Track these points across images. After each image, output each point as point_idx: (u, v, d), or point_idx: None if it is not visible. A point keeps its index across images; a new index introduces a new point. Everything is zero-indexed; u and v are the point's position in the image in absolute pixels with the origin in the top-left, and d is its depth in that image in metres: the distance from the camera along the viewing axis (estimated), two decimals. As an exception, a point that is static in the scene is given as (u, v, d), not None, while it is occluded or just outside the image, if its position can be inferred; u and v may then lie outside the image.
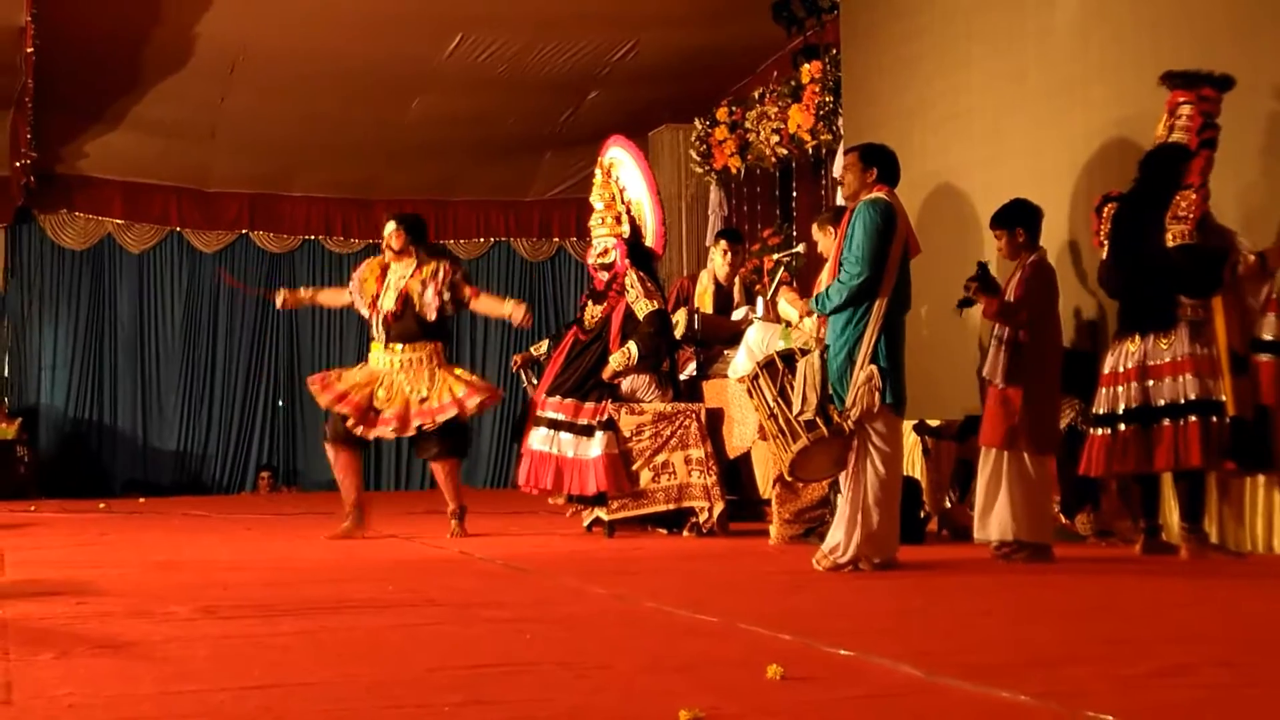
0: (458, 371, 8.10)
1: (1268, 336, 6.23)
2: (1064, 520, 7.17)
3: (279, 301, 8.63)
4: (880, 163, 6.12)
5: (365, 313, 8.16)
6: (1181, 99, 6.42)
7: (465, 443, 8.34)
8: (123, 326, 14.64)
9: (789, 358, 6.22)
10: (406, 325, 7.93)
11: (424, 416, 7.78)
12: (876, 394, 5.81)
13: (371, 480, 15.22)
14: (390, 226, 8.12)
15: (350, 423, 7.78)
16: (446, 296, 7.94)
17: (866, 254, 5.86)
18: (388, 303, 7.98)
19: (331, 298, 9.12)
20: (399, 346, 7.94)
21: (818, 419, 5.93)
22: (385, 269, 8.12)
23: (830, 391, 5.93)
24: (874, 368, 5.83)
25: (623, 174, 8.67)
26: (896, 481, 6.00)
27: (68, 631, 4.19)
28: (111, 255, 14.62)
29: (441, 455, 7.99)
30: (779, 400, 6.12)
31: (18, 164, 12.56)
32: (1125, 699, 2.98)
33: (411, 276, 7.97)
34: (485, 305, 8.30)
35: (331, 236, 15.32)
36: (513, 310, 8.11)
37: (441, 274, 7.96)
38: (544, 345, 9.01)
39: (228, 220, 14.92)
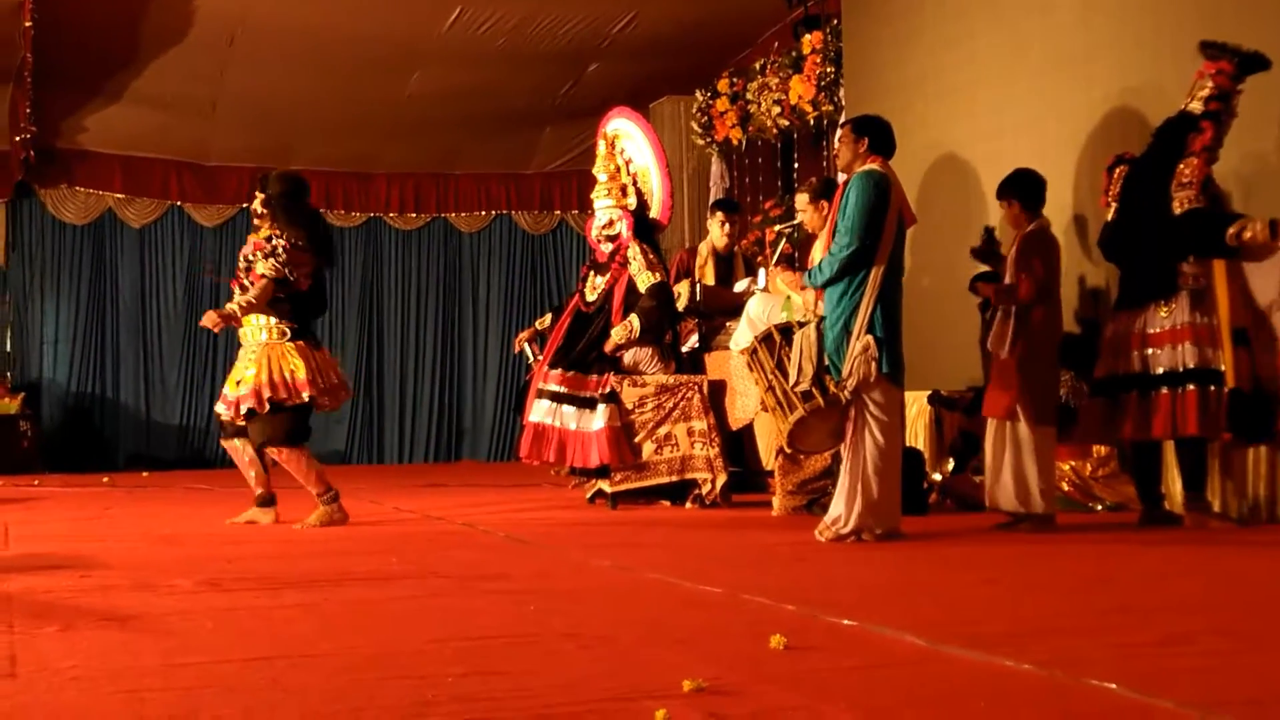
0: (293, 362, 7.02)
1: None
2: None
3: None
4: (872, 133, 6.10)
5: None
6: (1209, 70, 6.40)
7: (271, 428, 7.02)
8: (124, 301, 14.64)
9: (786, 330, 6.22)
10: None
11: (230, 405, 7.09)
12: (873, 364, 5.80)
13: (374, 453, 15.26)
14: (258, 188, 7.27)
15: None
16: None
17: (857, 225, 5.85)
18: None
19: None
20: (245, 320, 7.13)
21: (814, 390, 5.93)
22: None
23: (827, 363, 5.94)
24: (870, 338, 5.83)
25: (628, 145, 8.65)
26: (896, 451, 6.00)
27: (72, 605, 4.20)
28: (112, 230, 14.59)
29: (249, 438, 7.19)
30: (776, 373, 6.13)
31: (17, 139, 12.54)
32: (1128, 667, 2.98)
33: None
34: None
35: (332, 210, 15.27)
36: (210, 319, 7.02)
37: (260, 241, 7.10)
38: (547, 319, 8.99)
39: (229, 194, 14.88)
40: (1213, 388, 6.19)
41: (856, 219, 5.87)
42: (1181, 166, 6.28)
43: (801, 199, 7.67)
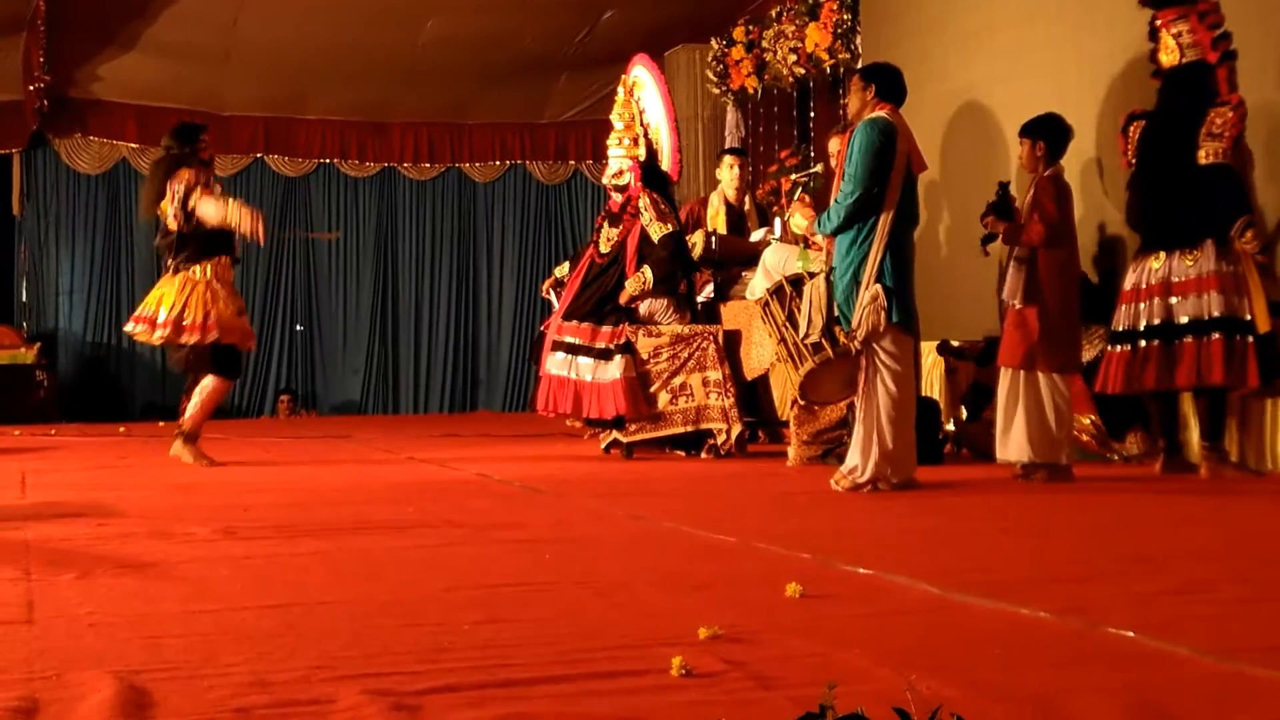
0: None
1: None
2: (1114, 442, 7.19)
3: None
4: (879, 79, 6.06)
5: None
6: (1173, 17, 6.34)
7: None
8: (139, 251, 14.61)
9: (797, 282, 6.20)
10: None
11: None
12: (882, 313, 5.77)
13: (389, 403, 15.28)
14: None
15: None
16: None
17: (860, 172, 5.83)
18: None
19: None
20: None
21: (824, 341, 5.91)
22: None
23: (837, 313, 5.91)
24: (879, 287, 5.79)
25: (644, 95, 8.62)
26: (909, 400, 5.98)
27: (89, 552, 4.22)
28: (127, 179, 14.53)
29: None
30: (787, 324, 6.11)
31: (31, 87, 12.50)
32: (1144, 615, 2.97)
33: None
34: None
35: (346, 160, 15.25)
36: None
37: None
38: (565, 267, 9.00)
39: (242, 144, 14.85)
40: (1238, 337, 6.14)
41: (860, 166, 5.84)
42: (1213, 115, 6.20)
43: (832, 140, 7.62)
